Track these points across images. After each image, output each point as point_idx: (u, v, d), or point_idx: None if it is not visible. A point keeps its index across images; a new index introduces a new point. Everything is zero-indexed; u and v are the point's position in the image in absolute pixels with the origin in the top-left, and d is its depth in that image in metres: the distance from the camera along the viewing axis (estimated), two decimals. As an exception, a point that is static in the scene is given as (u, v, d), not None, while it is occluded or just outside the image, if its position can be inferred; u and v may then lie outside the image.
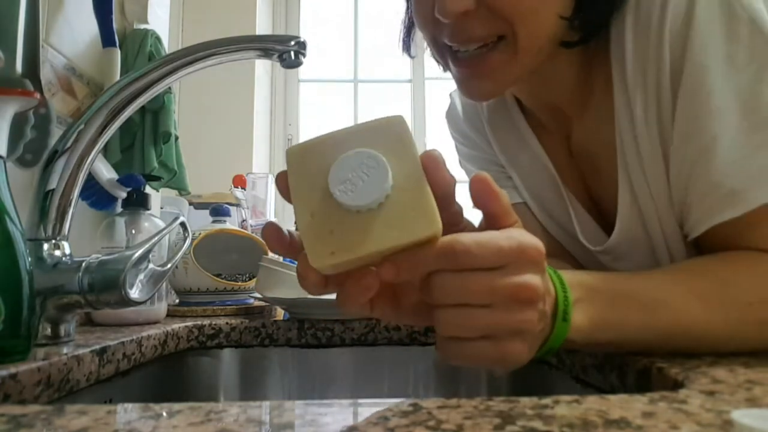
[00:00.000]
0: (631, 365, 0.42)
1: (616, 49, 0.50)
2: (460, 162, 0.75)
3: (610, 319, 0.39)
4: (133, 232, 0.71)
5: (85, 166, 0.51)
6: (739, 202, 0.43)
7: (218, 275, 0.85)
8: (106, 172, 0.79)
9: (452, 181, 0.33)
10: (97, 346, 0.48)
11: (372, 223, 0.31)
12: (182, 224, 0.60)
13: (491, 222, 0.35)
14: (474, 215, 0.38)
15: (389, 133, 0.33)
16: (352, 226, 0.31)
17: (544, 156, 0.61)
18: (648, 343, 0.41)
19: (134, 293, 0.50)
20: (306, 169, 0.33)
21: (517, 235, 0.34)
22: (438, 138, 2.37)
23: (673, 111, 0.47)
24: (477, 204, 0.35)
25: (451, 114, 0.73)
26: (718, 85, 0.44)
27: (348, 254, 0.30)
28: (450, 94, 0.73)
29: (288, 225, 1.68)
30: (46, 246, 0.49)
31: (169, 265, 0.56)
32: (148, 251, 0.52)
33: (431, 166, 0.32)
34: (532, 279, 0.33)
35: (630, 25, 0.48)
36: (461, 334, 0.33)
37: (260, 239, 0.94)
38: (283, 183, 0.33)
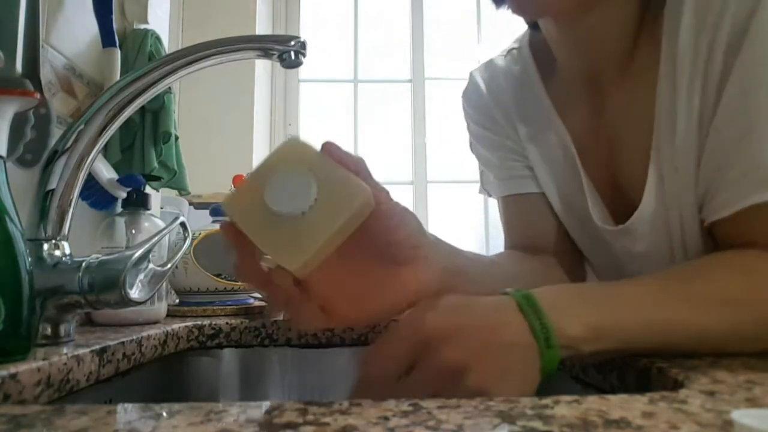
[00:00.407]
0: (631, 365, 0.42)
1: (672, 13, 0.48)
2: (471, 145, 0.72)
3: (605, 324, 0.39)
4: (133, 232, 0.71)
5: (85, 166, 0.51)
6: None
7: (218, 275, 0.85)
8: (106, 172, 0.79)
9: (359, 158, 0.41)
10: (97, 346, 0.48)
11: (318, 216, 0.37)
12: (182, 224, 0.60)
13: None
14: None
15: (293, 150, 0.40)
16: (304, 227, 0.37)
17: (565, 134, 0.59)
18: (646, 345, 0.41)
19: (134, 293, 0.50)
20: (245, 209, 0.39)
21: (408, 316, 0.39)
22: (438, 138, 2.37)
23: (719, 86, 0.45)
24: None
25: (468, 93, 0.70)
26: None
27: (313, 246, 0.37)
28: (471, 73, 0.70)
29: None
30: (46, 246, 0.49)
31: (169, 265, 0.56)
32: (148, 251, 0.52)
33: (335, 152, 0.40)
34: (430, 320, 0.36)
35: None
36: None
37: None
38: (231, 231, 0.39)
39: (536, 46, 0.64)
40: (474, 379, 0.35)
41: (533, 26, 0.61)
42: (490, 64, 0.69)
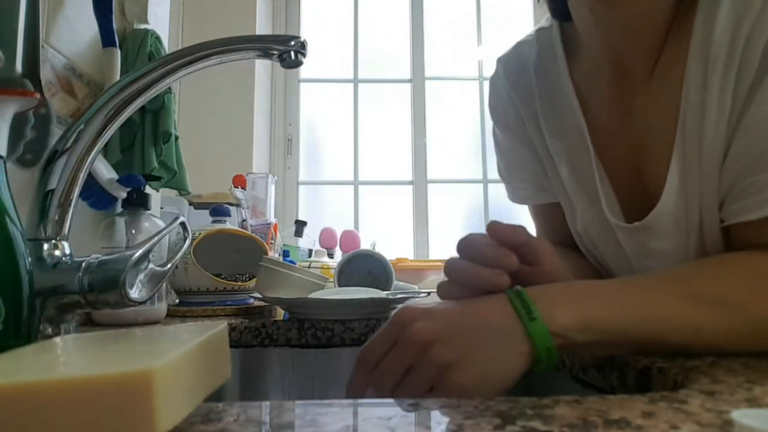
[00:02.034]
0: (631, 365, 0.42)
1: (707, 9, 0.47)
2: (493, 130, 0.72)
3: (596, 316, 0.41)
4: (133, 232, 0.71)
5: (85, 166, 0.51)
6: None
7: (218, 275, 0.85)
8: (106, 172, 0.79)
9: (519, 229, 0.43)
10: (97, 346, 0.48)
11: None
12: (182, 224, 0.60)
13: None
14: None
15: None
16: None
17: (583, 128, 0.59)
18: (637, 339, 0.41)
19: (134, 293, 0.50)
20: None
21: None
22: (438, 138, 2.37)
23: (753, 85, 0.44)
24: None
25: (494, 81, 0.70)
26: None
27: None
28: (497, 60, 0.70)
29: (288, 224, 1.68)
30: (46, 246, 0.49)
31: (169, 265, 0.56)
32: (148, 251, 0.52)
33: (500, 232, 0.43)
34: (419, 327, 0.39)
35: None
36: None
37: (260, 239, 0.94)
38: None
39: (566, 32, 0.62)
40: (458, 375, 0.38)
41: (563, 17, 0.60)
42: (514, 49, 0.67)
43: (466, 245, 0.43)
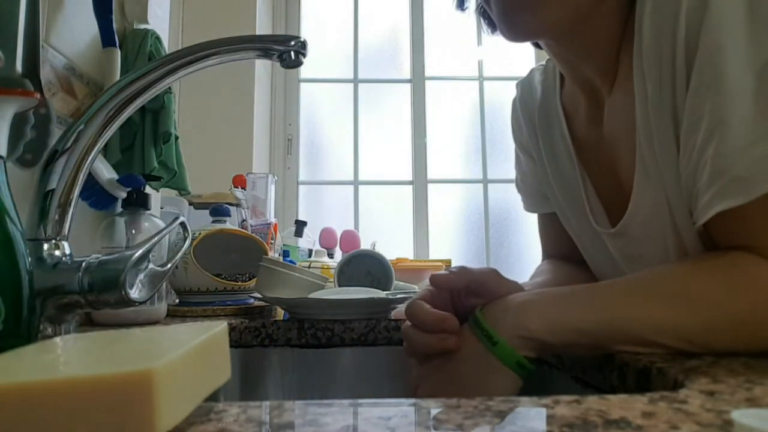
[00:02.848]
0: (631, 365, 0.42)
1: (638, 22, 0.49)
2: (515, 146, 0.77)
3: (562, 317, 0.43)
4: (133, 232, 0.71)
5: (85, 166, 0.51)
6: (743, 191, 0.41)
7: (218, 275, 0.85)
8: (106, 172, 0.79)
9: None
10: (97, 346, 0.48)
11: None
12: (182, 224, 0.60)
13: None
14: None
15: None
16: None
17: (568, 140, 0.62)
18: (608, 338, 0.43)
19: (134, 293, 0.50)
20: None
21: None
22: (438, 138, 2.37)
23: (687, 87, 0.45)
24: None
25: (513, 103, 0.75)
26: (733, 66, 0.42)
27: None
28: (516, 84, 0.74)
29: (288, 224, 1.68)
30: (46, 246, 0.49)
31: (169, 265, 0.56)
32: (148, 251, 0.52)
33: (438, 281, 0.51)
34: (420, 393, 0.47)
35: None
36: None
37: (260, 239, 0.94)
38: None
39: None
40: (423, 388, 0.46)
41: (536, 45, 0.63)
42: (529, 74, 0.72)
43: (410, 314, 0.48)
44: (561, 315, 0.44)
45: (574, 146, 0.62)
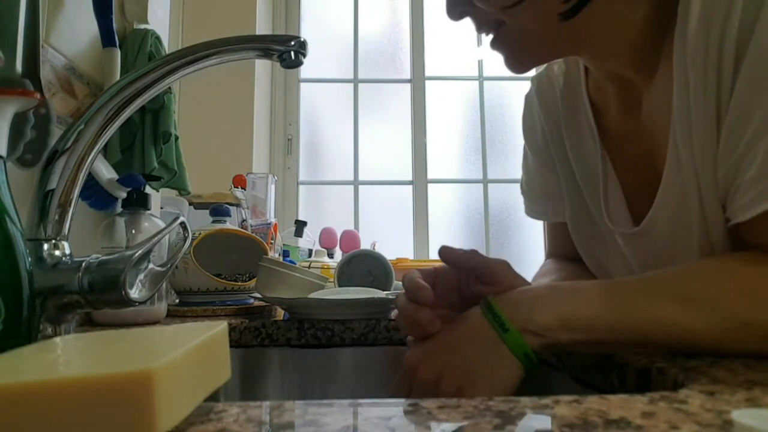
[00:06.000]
0: (631, 365, 0.42)
1: (682, 13, 0.47)
2: (524, 146, 0.76)
3: (576, 314, 0.43)
4: (133, 232, 0.71)
5: (85, 166, 0.51)
6: None
7: (218, 275, 0.85)
8: (106, 172, 0.79)
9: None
10: (97, 346, 0.48)
11: None
12: (182, 224, 0.60)
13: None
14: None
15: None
16: None
17: (594, 131, 0.60)
18: (619, 337, 0.42)
19: (134, 293, 0.50)
20: None
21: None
22: (438, 138, 2.37)
23: (734, 83, 0.44)
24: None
25: (527, 99, 0.73)
26: None
27: None
28: (531, 78, 0.73)
29: (288, 224, 1.68)
30: (46, 246, 0.49)
31: (169, 265, 0.56)
32: (148, 251, 0.52)
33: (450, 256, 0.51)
34: (424, 370, 0.46)
35: None
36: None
37: (260, 239, 0.94)
38: None
39: None
40: (446, 384, 0.43)
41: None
42: (546, 68, 0.70)
43: (403, 282, 0.50)
44: (575, 311, 0.43)
45: (601, 139, 0.60)
